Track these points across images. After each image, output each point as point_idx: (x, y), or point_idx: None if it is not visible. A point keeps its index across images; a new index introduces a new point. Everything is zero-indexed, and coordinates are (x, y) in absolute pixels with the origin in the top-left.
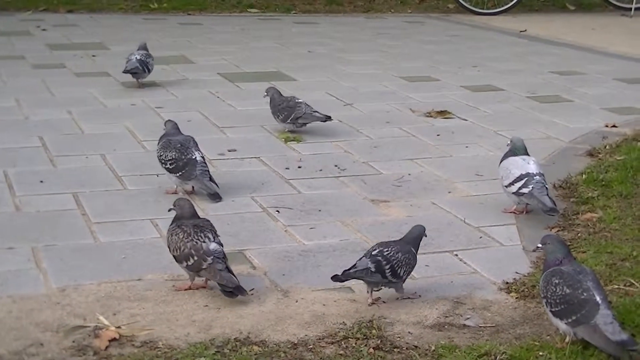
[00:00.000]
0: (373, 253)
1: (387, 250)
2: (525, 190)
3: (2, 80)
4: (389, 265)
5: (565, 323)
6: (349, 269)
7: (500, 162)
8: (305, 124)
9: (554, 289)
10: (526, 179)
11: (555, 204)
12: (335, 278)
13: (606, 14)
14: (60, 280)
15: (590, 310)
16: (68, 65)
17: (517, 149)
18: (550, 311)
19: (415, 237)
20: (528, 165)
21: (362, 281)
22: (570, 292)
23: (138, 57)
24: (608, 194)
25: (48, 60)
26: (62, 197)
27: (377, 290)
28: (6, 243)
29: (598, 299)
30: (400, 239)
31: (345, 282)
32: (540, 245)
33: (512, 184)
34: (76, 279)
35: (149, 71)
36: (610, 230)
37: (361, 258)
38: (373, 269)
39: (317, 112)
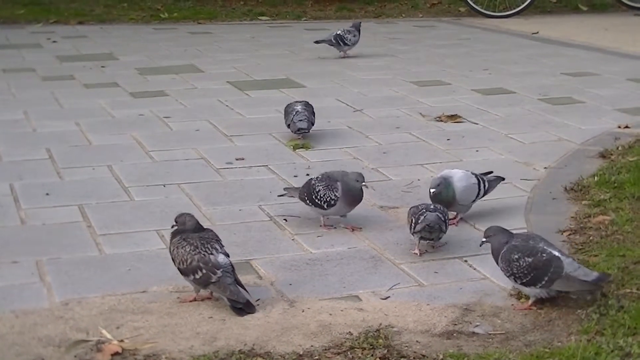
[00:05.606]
0: (430, 209)
1: (432, 207)
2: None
3: (11, 93)
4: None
5: (540, 287)
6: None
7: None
8: (298, 132)
9: (518, 264)
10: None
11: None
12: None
13: (619, 14)
14: (64, 293)
15: (557, 265)
16: (77, 76)
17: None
18: (522, 283)
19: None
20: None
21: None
22: (532, 259)
23: (338, 32)
24: (620, 196)
25: (57, 72)
26: (68, 209)
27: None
28: (10, 257)
29: (556, 253)
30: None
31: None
32: (484, 239)
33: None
34: (80, 292)
35: (345, 45)
36: (622, 232)
37: (423, 214)
38: (442, 218)
39: (301, 121)
